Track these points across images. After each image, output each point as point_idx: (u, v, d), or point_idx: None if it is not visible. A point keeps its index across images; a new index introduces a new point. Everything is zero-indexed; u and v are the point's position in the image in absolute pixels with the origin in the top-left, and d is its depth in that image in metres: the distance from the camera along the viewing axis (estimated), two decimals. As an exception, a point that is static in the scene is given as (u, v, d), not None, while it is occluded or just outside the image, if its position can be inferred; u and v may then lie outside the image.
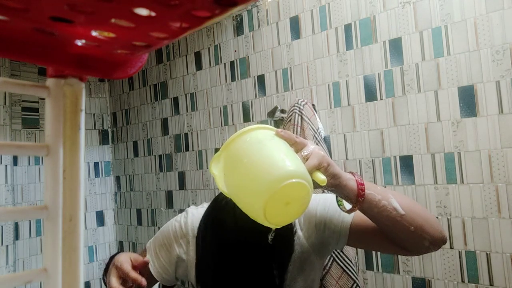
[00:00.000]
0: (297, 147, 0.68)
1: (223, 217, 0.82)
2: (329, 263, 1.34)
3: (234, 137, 0.65)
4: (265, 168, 0.60)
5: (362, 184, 0.72)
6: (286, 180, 0.58)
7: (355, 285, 1.33)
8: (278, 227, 0.63)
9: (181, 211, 2.00)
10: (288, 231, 0.83)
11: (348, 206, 0.76)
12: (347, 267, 1.34)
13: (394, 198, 0.74)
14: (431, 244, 0.76)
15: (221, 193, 0.85)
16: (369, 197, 0.72)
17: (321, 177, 0.65)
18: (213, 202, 0.88)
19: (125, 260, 0.80)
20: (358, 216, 0.82)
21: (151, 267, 0.91)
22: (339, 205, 0.77)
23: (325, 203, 0.86)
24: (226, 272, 0.82)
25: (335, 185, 0.70)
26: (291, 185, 0.58)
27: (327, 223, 0.84)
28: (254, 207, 0.60)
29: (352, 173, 0.74)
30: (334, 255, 1.35)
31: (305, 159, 0.66)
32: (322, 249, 0.88)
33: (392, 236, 0.78)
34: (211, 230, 0.85)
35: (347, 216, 0.83)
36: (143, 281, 0.77)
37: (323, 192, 1.22)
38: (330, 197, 0.88)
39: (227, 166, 0.64)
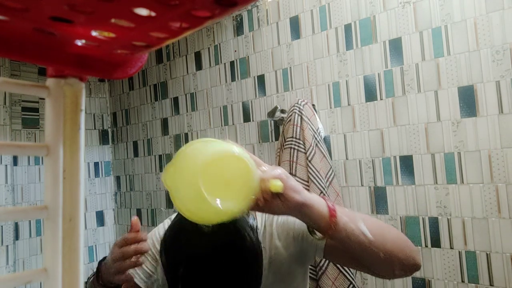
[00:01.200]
0: (257, 162, 0.65)
1: (182, 229, 0.78)
2: (326, 264, 1.34)
3: (182, 149, 0.62)
4: (203, 152, 0.59)
5: (334, 210, 0.67)
6: (219, 153, 0.57)
7: (351, 286, 1.33)
8: (227, 213, 0.58)
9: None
10: (252, 252, 0.78)
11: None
12: (344, 268, 1.34)
13: (364, 222, 0.70)
14: (402, 271, 0.74)
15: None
16: (343, 225, 0.67)
17: (277, 183, 0.62)
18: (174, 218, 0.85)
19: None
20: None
21: (136, 279, 0.89)
22: (310, 233, 0.74)
23: None
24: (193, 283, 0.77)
25: (299, 203, 0.65)
26: (227, 159, 0.57)
27: (305, 235, 0.82)
28: (191, 188, 0.57)
29: (323, 197, 0.70)
30: None
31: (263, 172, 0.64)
32: (302, 257, 0.87)
33: (361, 262, 0.75)
34: (172, 242, 0.80)
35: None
36: (143, 235, 0.76)
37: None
38: None
39: (177, 173, 0.60)
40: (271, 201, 0.65)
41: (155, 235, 0.97)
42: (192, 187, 0.57)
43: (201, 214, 0.59)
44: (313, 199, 0.68)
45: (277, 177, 0.64)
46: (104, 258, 0.85)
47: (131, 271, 0.87)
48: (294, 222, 0.86)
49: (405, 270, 0.74)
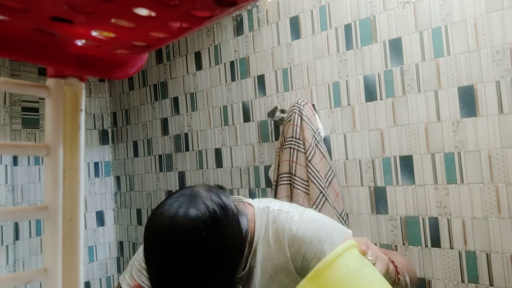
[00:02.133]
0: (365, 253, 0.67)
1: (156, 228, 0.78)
2: None
3: (326, 264, 0.57)
4: None
5: (398, 273, 0.75)
6: None
7: None
8: None
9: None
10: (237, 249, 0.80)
11: None
12: None
13: (405, 269, 0.79)
14: None
15: (158, 206, 0.82)
16: (401, 282, 0.76)
17: None
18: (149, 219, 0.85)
19: None
20: None
21: None
22: None
23: (319, 233, 0.86)
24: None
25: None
26: None
27: (314, 263, 0.83)
28: None
29: (391, 260, 0.76)
30: None
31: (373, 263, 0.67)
32: (303, 268, 0.87)
33: None
34: (151, 243, 0.79)
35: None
36: None
37: None
38: (326, 223, 0.88)
39: None
40: None
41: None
42: None
43: None
44: (385, 265, 0.72)
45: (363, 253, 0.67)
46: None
47: None
48: (317, 247, 0.85)
49: None
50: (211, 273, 0.74)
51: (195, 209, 0.74)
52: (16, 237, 2.09)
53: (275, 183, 1.50)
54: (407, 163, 1.35)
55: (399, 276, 0.75)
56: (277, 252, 0.86)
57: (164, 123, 2.18)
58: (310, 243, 0.85)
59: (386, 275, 0.68)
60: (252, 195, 1.77)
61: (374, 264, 0.66)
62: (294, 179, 1.42)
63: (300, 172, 1.42)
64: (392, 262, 0.74)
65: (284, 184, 1.45)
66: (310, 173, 1.40)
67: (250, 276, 0.87)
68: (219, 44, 1.91)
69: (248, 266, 0.87)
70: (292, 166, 1.43)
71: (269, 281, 0.87)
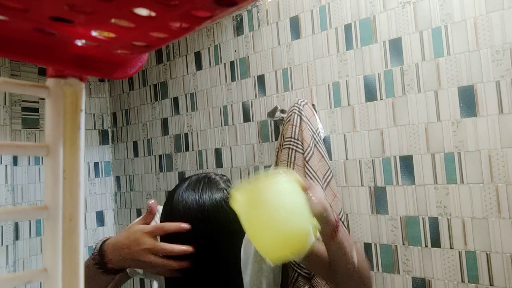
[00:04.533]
0: (307, 194, 0.75)
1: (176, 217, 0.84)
2: None
3: (259, 182, 0.71)
4: (285, 224, 0.67)
5: (338, 221, 0.80)
6: (301, 241, 0.68)
7: None
8: (274, 264, 0.72)
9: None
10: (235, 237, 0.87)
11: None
12: None
13: (355, 249, 0.84)
14: None
15: (171, 193, 0.90)
16: (340, 239, 0.80)
17: (311, 238, 0.77)
18: (165, 204, 0.92)
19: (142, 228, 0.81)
20: (318, 245, 0.89)
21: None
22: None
23: None
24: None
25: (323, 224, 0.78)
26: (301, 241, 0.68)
27: None
28: (265, 247, 0.68)
29: (337, 218, 0.83)
30: None
31: (312, 205, 0.73)
32: None
33: (337, 280, 0.87)
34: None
35: (311, 239, 0.90)
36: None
37: None
38: None
39: (251, 207, 0.69)
40: None
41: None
42: (264, 246, 0.68)
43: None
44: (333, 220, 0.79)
45: (319, 216, 0.75)
46: (106, 240, 0.83)
47: None
48: None
49: None
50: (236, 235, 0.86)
51: (215, 190, 0.85)
52: (16, 237, 2.09)
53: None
54: (407, 163, 1.35)
55: (337, 229, 0.79)
56: None
57: (164, 123, 2.18)
58: None
59: (324, 221, 0.75)
60: (252, 195, 1.77)
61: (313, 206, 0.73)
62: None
63: (298, 173, 1.42)
64: (337, 220, 0.80)
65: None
66: (307, 174, 1.39)
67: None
68: (219, 44, 1.91)
69: None
70: (290, 167, 1.43)
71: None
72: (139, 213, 2.34)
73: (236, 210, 0.69)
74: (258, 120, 1.76)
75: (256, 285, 0.99)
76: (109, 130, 2.55)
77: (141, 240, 0.76)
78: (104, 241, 0.84)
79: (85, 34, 0.22)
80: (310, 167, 1.40)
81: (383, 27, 1.39)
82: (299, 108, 1.47)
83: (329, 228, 0.77)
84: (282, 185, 0.71)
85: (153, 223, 0.96)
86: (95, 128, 2.49)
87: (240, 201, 0.70)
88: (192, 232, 0.79)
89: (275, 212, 0.68)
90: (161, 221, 0.87)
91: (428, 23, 1.30)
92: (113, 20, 0.21)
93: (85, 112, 0.28)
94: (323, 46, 1.55)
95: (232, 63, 1.86)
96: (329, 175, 1.44)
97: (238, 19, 1.83)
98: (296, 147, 1.43)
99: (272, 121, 1.69)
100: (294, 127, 1.45)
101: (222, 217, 0.82)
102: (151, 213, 0.84)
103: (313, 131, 1.45)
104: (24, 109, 2.18)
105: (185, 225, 0.78)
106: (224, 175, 0.94)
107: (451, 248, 1.26)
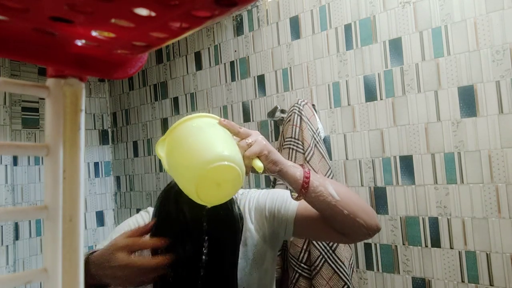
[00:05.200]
0: (241, 136, 0.75)
1: (170, 209, 0.83)
2: (320, 264, 1.34)
3: (178, 123, 0.71)
4: (199, 151, 0.65)
5: (308, 176, 0.80)
6: (216, 162, 0.63)
7: (346, 286, 1.33)
8: (211, 205, 0.70)
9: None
10: (232, 220, 0.87)
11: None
12: (338, 268, 1.34)
13: (332, 186, 0.82)
14: (366, 229, 0.84)
15: (168, 184, 0.88)
16: (314, 189, 0.80)
17: (258, 164, 0.73)
18: (162, 193, 0.89)
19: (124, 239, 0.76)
20: (302, 206, 0.90)
21: None
22: (290, 192, 0.85)
23: (273, 196, 0.95)
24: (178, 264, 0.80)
25: (276, 171, 0.78)
26: (220, 168, 0.63)
27: (276, 213, 0.92)
28: (189, 186, 0.65)
29: (302, 165, 0.83)
30: (326, 255, 1.34)
31: (248, 146, 0.73)
32: (273, 240, 0.95)
33: (330, 221, 0.86)
34: (160, 222, 0.84)
35: (292, 205, 0.91)
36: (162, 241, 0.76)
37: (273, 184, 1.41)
38: (278, 191, 0.97)
39: (170, 149, 0.69)
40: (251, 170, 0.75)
41: (129, 227, 0.95)
42: (188, 185, 0.66)
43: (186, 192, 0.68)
44: (289, 167, 0.80)
45: (258, 154, 0.74)
46: (92, 252, 0.80)
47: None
48: (265, 203, 0.94)
49: (369, 229, 0.85)
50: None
51: None
52: (16, 237, 2.09)
53: (274, 183, 1.50)
54: (407, 163, 1.35)
55: (306, 184, 0.79)
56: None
57: (164, 123, 2.18)
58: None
59: (265, 160, 0.75)
60: (252, 195, 1.77)
61: (250, 147, 0.73)
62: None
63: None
64: (306, 175, 0.79)
65: (282, 184, 1.45)
66: (310, 173, 1.39)
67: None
68: (219, 44, 1.91)
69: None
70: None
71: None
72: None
73: (160, 157, 0.70)
74: (258, 120, 1.76)
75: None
76: (109, 130, 2.55)
77: (114, 257, 0.73)
78: (91, 253, 0.81)
79: (85, 34, 0.22)
80: (311, 166, 1.40)
81: (383, 27, 1.39)
82: (299, 108, 1.47)
83: (278, 168, 0.77)
84: (196, 122, 0.71)
85: (132, 222, 0.95)
86: (95, 128, 2.49)
87: (161, 148, 0.70)
88: (194, 232, 0.79)
89: (189, 147, 0.67)
90: (156, 224, 0.85)
91: (428, 23, 1.30)
92: (113, 20, 0.21)
93: (85, 112, 0.28)
94: (323, 46, 1.55)
95: (232, 63, 1.86)
96: (329, 175, 1.44)
97: (238, 19, 1.83)
98: (297, 147, 1.43)
99: (272, 121, 1.69)
100: (294, 127, 1.45)
101: (224, 215, 0.82)
102: (144, 229, 0.79)
103: (313, 131, 1.45)
104: (24, 109, 2.18)
105: (161, 241, 0.75)
106: None
107: (451, 248, 1.26)
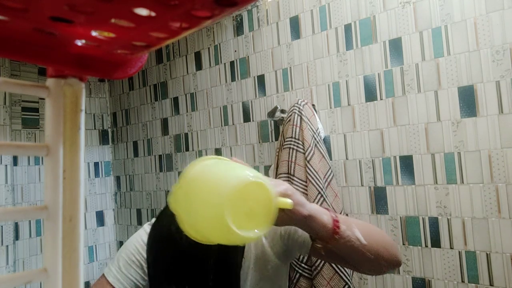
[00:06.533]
0: None
1: (168, 233, 0.80)
2: (321, 264, 1.34)
3: (191, 165, 0.62)
4: (222, 179, 0.58)
5: (337, 221, 0.71)
6: (243, 182, 0.56)
7: (347, 286, 1.33)
8: (250, 239, 0.60)
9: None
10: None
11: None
12: (339, 268, 1.34)
13: (357, 227, 0.74)
14: (387, 268, 0.81)
15: (163, 210, 0.85)
16: (343, 233, 0.71)
17: (287, 201, 0.64)
18: (156, 221, 0.88)
19: None
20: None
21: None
22: (312, 240, 0.78)
23: None
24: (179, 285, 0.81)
25: (305, 216, 0.68)
26: (249, 186, 0.57)
27: (292, 233, 0.87)
28: (217, 220, 0.55)
29: (327, 209, 0.74)
30: None
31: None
32: (286, 255, 0.91)
33: (350, 261, 0.80)
34: (157, 246, 0.83)
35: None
36: None
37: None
38: None
39: (186, 191, 0.59)
40: (277, 215, 0.64)
41: (138, 243, 0.92)
42: (214, 218, 0.56)
43: (219, 240, 0.60)
44: (317, 211, 0.70)
45: (284, 193, 0.65)
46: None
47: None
48: None
49: (390, 267, 0.81)
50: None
51: None
52: (16, 237, 2.09)
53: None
54: (407, 163, 1.35)
55: (337, 229, 0.70)
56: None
57: (164, 123, 2.18)
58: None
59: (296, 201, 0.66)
60: (252, 195, 1.77)
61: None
62: (293, 179, 1.41)
63: (299, 172, 1.42)
64: (336, 220, 0.71)
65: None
66: (308, 174, 1.39)
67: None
68: (219, 44, 1.91)
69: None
70: (290, 167, 1.43)
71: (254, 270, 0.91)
72: (139, 213, 2.34)
73: (175, 211, 0.59)
74: (258, 120, 1.76)
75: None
76: (109, 130, 2.55)
77: None
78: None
79: (85, 34, 0.22)
80: (311, 166, 1.40)
81: (383, 27, 1.39)
82: (299, 108, 1.47)
83: (305, 210, 0.68)
84: (208, 161, 0.63)
85: (139, 239, 0.92)
86: (95, 128, 2.49)
87: (176, 199, 0.60)
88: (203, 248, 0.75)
89: (209, 180, 0.59)
90: (150, 247, 0.85)
91: (428, 23, 1.30)
92: (113, 20, 0.21)
93: (85, 112, 0.28)
94: (323, 46, 1.55)
95: (232, 63, 1.86)
96: (330, 175, 1.44)
97: (238, 19, 1.83)
98: (297, 147, 1.43)
99: (272, 121, 1.69)
100: (294, 127, 1.45)
101: None
102: None
103: (313, 131, 1.45)
104: (24, 109, 2.18)
105: None
106: None
107: (451, 248, 1.26)
